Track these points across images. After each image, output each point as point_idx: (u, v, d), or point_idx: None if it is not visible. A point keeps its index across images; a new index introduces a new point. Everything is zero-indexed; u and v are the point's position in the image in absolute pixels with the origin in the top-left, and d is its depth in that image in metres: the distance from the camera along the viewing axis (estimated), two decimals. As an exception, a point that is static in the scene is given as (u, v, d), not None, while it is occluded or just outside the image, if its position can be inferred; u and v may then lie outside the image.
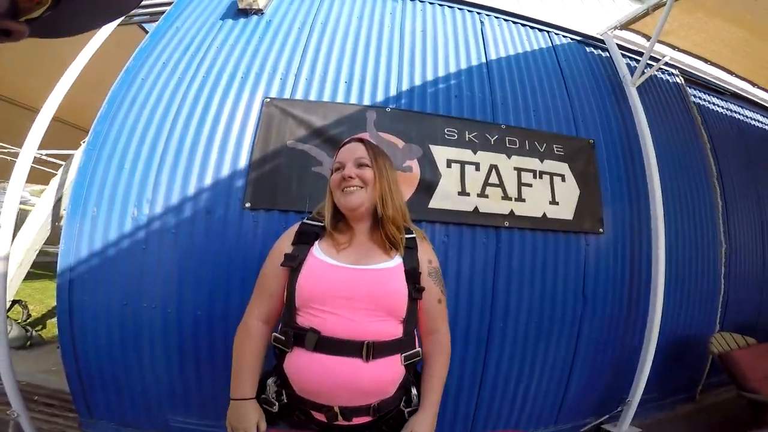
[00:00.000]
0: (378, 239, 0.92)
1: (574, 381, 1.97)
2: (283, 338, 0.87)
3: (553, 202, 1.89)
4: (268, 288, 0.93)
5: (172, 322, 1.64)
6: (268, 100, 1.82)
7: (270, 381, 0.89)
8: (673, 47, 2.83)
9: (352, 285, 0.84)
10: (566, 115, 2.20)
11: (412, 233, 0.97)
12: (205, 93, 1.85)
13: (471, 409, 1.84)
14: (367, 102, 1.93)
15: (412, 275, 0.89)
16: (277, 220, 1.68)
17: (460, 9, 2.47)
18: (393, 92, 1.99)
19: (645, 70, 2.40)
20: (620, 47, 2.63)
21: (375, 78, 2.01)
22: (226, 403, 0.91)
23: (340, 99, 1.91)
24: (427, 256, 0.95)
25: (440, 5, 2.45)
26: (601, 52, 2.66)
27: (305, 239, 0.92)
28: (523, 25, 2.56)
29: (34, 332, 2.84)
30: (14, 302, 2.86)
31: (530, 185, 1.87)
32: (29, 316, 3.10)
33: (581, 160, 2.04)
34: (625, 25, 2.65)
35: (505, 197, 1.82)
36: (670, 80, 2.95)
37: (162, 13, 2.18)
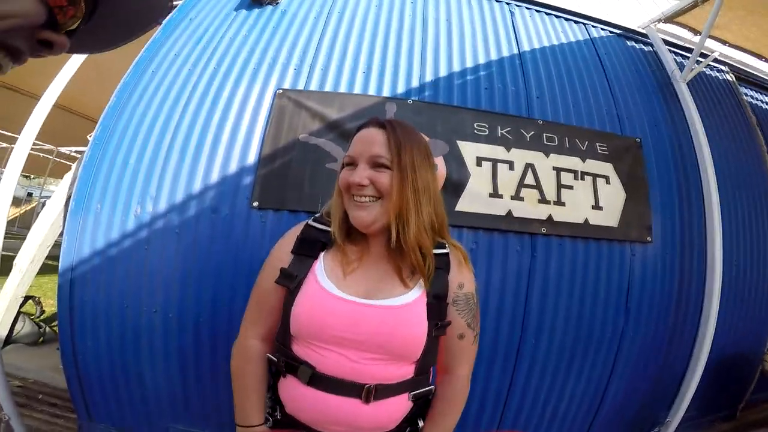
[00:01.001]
0: (397, 259, 0.72)
1: (608, 400, 1.78)
2: (276, 361, 0.74)
3: (597, 206, 1.67)
4: (265, 304, 0.77)
5: (173, 325, 1.53)
6: (281, 91, 1.70)
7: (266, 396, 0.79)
8: (723, 42, 2.58)
9: (358, 325, 0.67)
10: (609, 112, 1.98)
11: (445, 247, 0.75)
12: (215, 85, 1.74)
13: (493, 428, 1.68)
14: (387, 93, 1.78)
15: (437, 308, 0.70)
16: (286, 221, 1.54)
17: (487, -1, 2.31)
18: (415, 83, 1.83)
19: (694, 66, 2.16)
20: (664, 42, 2.41)
21: (395, 68, 1.86)
22: (229, 413, 0.82)
23: (357, 90, 1.77)
24: (458, 279, 0.75)
25: (465, -6, 2.29)
26: (643, 46, 2.45)
27: (308, 250, 0.74)
28: (557, 16, 2.38)
29: (47, 328, 2.82)
30: (27, 298, 2.85)
31: (571, 187, 1.66)
32: (43, 311, 3.08)
33: (627, 161, 1.81)
34: (671, 18, 2.43)
35: (543, 200, 1.61)
36: (720, 77, 2.69)
37: (176, 6, 2.11)
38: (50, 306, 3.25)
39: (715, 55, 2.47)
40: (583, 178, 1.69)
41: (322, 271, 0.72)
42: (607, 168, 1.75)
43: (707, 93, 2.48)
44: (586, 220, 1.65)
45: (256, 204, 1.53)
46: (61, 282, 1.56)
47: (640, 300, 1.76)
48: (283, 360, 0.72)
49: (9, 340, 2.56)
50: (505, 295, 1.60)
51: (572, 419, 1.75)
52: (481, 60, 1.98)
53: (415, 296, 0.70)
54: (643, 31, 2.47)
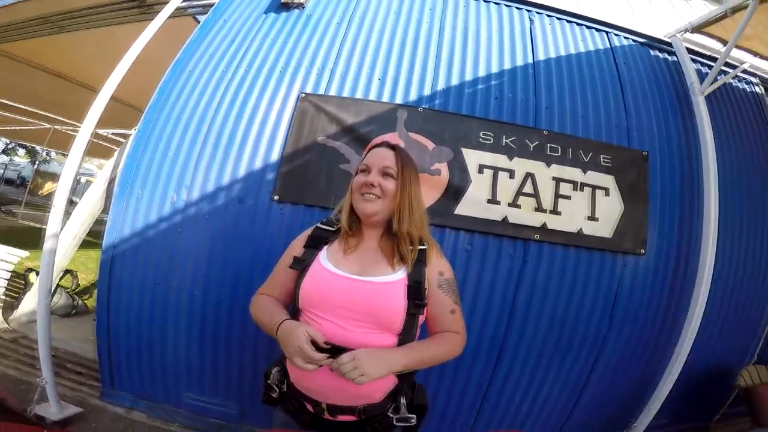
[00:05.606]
0: (386, 248, 0.92)
1: (583, 401, 1.88)
2: None
3: (592, 217, 1.75)
4: (276, 282, 1.00)
5: (197, 303, 1.73)
6: (303, 95, 1.85)
7: (275, 370, 0.94)
8: (755, 53, 2.50)
9: (349, 296, 0.86)
10: (619, 124, 2.02)
11: (424, 245, 0.96)
12: (245, 86, 1.91)
13: (471, 417, 1.82)
14: (399, 101, 1.89)
15: (415, 290, 0.88)
16: (302, 214, 1.71)
17: (507, 6, 2.34)
18: (427, 91, 1.93)
19: (718, 78, 2.12)
20: (691, 52, 2.35)
21: (409, 76, 1.97)
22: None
23: (372, 97, 1.89)
24: (437, 269, 0.94)
25: (485, 2, 2.33)
26: (667, 56, 2.40)
27: (315, 243, 0.96)
28: (579, 24, 2.37)
29: (80, 301, 3.04)
30: (66, 271, 3.08)
31: (568, 197, 1.74)
32: (78, 285, 3.33)
33: (630, 174, 1.87)
34: (698, 28, 2.36)
35: (539, 209, 1.71)
36: (748, 89, 2.60)
37: (213, 5, 2.25)
38: (83, 280, 3.51)
39: (746, 66, 2.40)
40: (581, 189, 1.77)
41: (324, 256, 0.93)
42: (607, 180, 1.82)
43: (730, 107, 2.41)
44: (580, 230, 1.74)
45: (276, 197, 1.70)
46: (103, 258, 1.78)
47: (626, 308, 1.84)
48: None
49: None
50: (494, 295, 1.72)
51: (548, 416, 1.87)
52: (494, 69, 2.05)
53: (397, 278, 0.89)
54: (668, 40, 2.41)
